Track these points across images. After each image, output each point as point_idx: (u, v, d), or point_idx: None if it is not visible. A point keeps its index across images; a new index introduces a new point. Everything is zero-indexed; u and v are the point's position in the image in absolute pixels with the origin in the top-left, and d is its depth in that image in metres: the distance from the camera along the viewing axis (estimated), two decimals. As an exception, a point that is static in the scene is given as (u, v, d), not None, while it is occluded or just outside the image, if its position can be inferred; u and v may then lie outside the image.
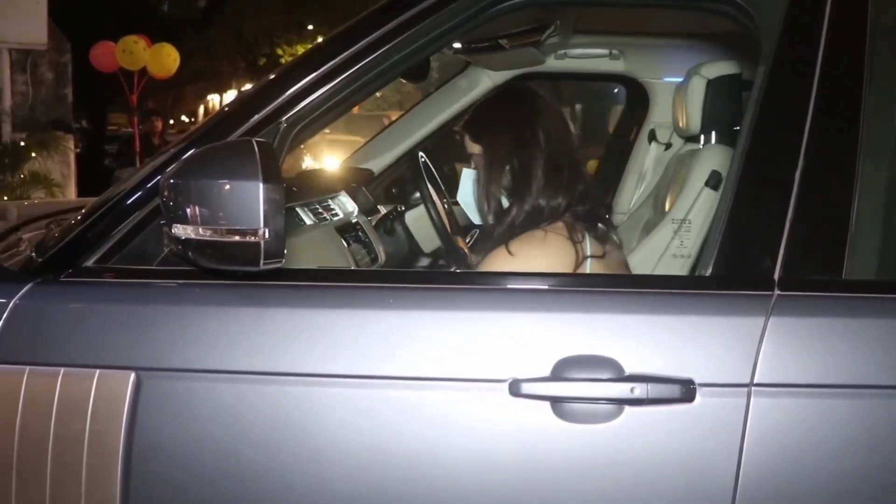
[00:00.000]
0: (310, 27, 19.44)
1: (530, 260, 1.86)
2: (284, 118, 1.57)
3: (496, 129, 2.02)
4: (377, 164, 3.46)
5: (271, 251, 1.35)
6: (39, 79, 9.16)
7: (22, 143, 8.02)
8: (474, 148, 2.06)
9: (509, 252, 1.86)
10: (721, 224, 1.51)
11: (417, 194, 3.15)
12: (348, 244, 2.77)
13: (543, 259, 1.87)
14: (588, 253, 1.89)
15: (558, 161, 1.95)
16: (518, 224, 1.93)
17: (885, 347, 1.40)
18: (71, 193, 8.66)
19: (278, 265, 1.38)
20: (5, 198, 6.98)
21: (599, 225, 1.97)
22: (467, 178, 2.09)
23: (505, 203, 1.98)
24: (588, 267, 1.89)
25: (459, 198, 2.11)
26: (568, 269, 1.86)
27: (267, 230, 1.34)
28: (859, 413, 1.39)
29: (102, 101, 13.91)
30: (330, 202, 2.89)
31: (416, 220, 3.24)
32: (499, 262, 1.87)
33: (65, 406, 1.46)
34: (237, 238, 1.34)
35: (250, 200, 1.32)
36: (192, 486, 1.46)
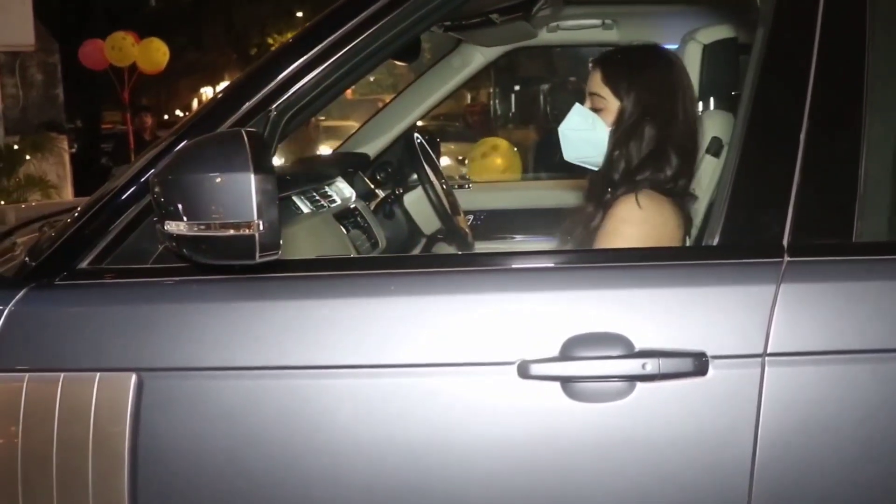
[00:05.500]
0: (299, 15, 19.36)
1: (659, 217, 1.90)
2: (274, 106, 1.53)
3: (645, 84, 2.00)
4: (373, 148, 3.43)
5: (267, 243, 1.32)
6: (29, 80, 9.12)
7: (15, 147, 8.00)
8: (602, 90, 2.02)
9: (638, 204, 1.88)
10: (726, 191, 1.49)
11: (415, 176, 3.12)
12: (347, 230, 2.75)
13: (671, 220, 1.91)
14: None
15: (689, 135, 1.99)
16: (633, 182, 1.95)
17: None
18: (68, 194, 8.64)
19: (275, 257, 1.36)
20: (2, 202, 6.96)
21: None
22: (577, 114, 2.06)
23: (625, 155, 1.98)
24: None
25: (562, 129, 2.07)
26: (679, 239, 1.92)
27: (261, 222, 1.31)
28: (876, 377, 1.37)
29: (96, 99, 13.89)
30: (327, 189, 2.86)
31: (415, 202, 3.22)
32: (628, 210, 1.89)
33: (67, 411, 1.44)
34: (231, 232, 1.31)
35: (242, 192, 1.29)
36: (202, 486, 1.44)
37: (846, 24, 1.50)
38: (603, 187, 2.02)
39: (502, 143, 6.33)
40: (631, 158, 1.96)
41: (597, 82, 2.03)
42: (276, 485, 1.42)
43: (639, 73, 2.01)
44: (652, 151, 1.95)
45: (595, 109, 2.03)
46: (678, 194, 1.97)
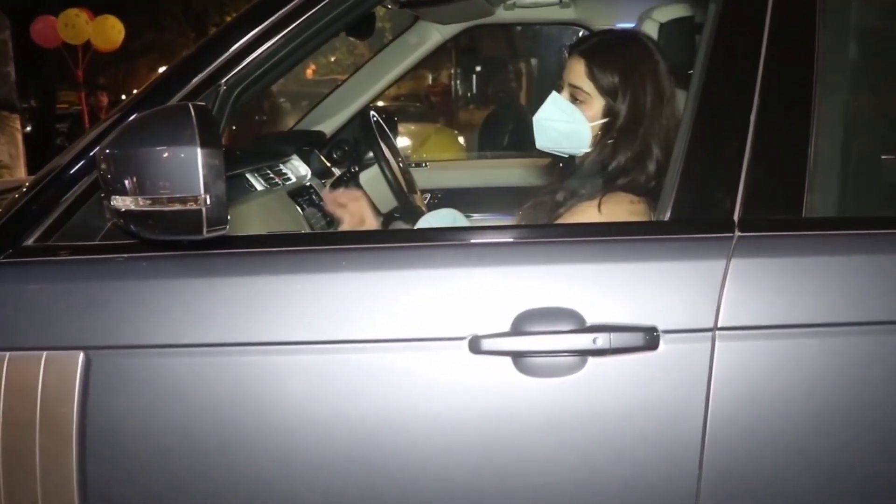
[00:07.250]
0: (258, -7, 19.11)
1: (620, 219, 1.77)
2: (224, 80, 1.51)
3: (637, 85, 1.87)
4: (329, 126, 3.40)
5: (214, 218, 1.31)
6: (-21, 58, 8.93)
7: (-36, 126, 7.84)
8: (585, 84, 1.88)
9: (599, 210, 1.77)
10: (678, 167, 1.49)
11: (371, 154, 3.11)
12: (302, 209, 2.72)
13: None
14: None
15: (670, 140, 1.82)
16: (610, 184, 1.83)
17: (847, 284, 1.39)
18: (20, 174, 8.48)
19: (223, 232, 1.34)
20: (-49, 182, 6.82)
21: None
22: (554, 104, 1.92)
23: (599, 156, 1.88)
24: None
25: (537, 118, 1.93)
26: None
27: (208, 196, 1.29)
28: (825, 351, 1.39)
29: (50, 78, 13.61)
30: (282, 167, 2.84)
31: (371, 180, 3.20)
32: (588, 216, 1.78)
33: (13, 392, 1.42)
34: (178, 206, 1.29)
35: (189, 167, 1.28)
36: (153, 465, 1.43)
37: (797, 3, 1.51)
38: (579, 182, 1.90)
39: (444, 129, 6.58)
40: (617, 161, 1.85)
41: (579, 75, 1.90)
42: (227, 463, 1.41)
43: (630, 73, 1.88)
44: (638, 154, 1.84)
45: (573, 101, 1.92)
46: (654, 192, 1.81)
